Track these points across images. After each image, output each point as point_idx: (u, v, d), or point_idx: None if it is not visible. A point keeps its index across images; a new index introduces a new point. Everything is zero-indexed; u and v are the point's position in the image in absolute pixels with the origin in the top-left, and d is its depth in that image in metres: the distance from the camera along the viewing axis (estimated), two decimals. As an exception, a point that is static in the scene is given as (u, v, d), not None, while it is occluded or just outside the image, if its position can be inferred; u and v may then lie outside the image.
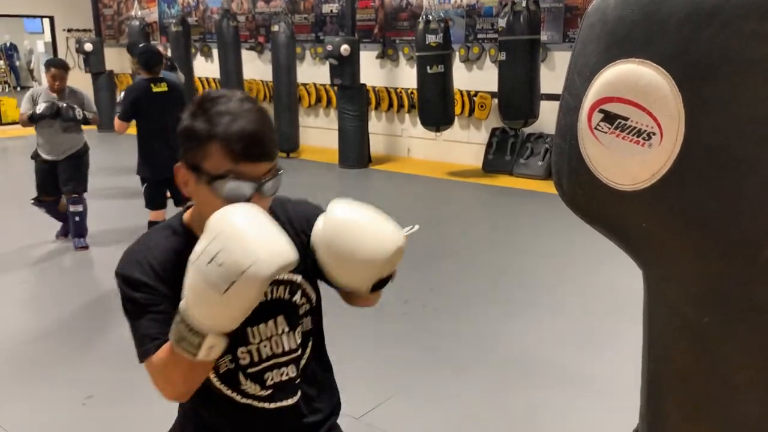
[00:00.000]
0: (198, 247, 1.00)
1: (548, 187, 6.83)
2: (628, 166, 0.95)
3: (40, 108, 4.53)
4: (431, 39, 7.29)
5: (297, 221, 1.27)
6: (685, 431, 1.06)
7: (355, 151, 8.10)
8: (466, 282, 4.32)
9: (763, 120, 0.87)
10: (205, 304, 0.99)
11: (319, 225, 1.18)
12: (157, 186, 4.38)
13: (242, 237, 0.97)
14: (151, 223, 4.27)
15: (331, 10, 9.30)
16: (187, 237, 1.17)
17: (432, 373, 3.13)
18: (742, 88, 0.88)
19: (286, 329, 1.25)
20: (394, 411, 2.79)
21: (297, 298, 1.27)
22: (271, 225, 1.02)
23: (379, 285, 1.25)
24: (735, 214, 0.91)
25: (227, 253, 0.96)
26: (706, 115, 0.89)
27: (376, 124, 8.87)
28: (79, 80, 11.58)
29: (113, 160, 7.78)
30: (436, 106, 7.51)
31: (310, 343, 1.32)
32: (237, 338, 1.18)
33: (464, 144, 8.27)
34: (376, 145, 8.67)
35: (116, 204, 6.08)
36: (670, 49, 0.90)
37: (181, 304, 1.03)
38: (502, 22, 6.95)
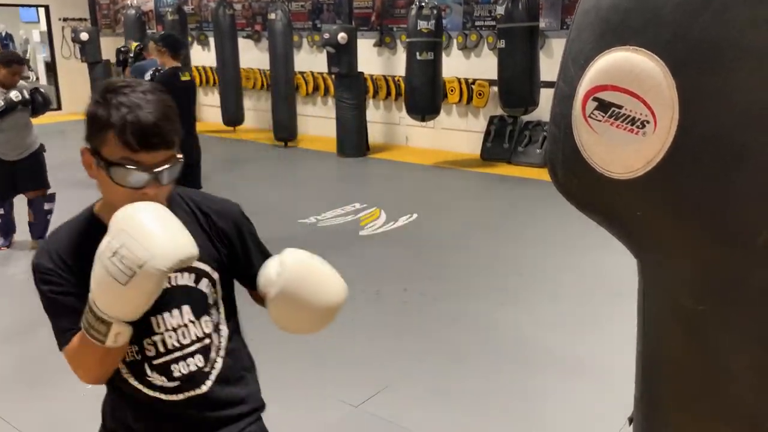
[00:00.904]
0: (103, 242, 1.07)
1: (546, 175, 6.77)
2: (623, 154, 0.94)
3: (11, 96, 4.26)
4: (423, 25, 7.22)
5: (206, 212, 1.30)
6: (680, 417, 1.07)
7: (353, 140, 8.08)
8: (465, 270, 4.33)
9: (757, 107, 0.87)
10: (109, 295, 1.06)
11: (272, 273, 1.22)
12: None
13: (142, 233, 1.05)
14: None
15: (328, -2, 9.24)
16: (95, 225, 1.21)
17: (431, 360, 3.14)
18: (736, 75, 0.88)
19: (192, 318, 1.26)
20: (392, 399, 2.80)
21: (204, 286, 1.27)
22: (173, 221, 1.09)
23: None
24: (730, 202, 0.90)
25: (127, 248, 1.04)
26: (701, 103, 0.89)
27: (374, 113, 8.84)
28: (76, 70, 11.53)
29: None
30: (422, 95, 7.43)
31: (224, 334, 1.31)
32: (141, 329, 1.20)
33: (462, 132, 8.25)
34: (374, 133, 8.64)
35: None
36: (664, 36, 0.90)
37: (90, 294, 1.09)
38: (500, 9, 6.91)
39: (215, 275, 1.29)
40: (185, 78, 4.42)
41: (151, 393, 1.25)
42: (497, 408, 2.75)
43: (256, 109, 10.13)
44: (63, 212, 5.28)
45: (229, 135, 9.49)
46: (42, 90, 4.54)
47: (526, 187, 6.59)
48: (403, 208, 5.62)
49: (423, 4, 7.27)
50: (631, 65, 0.92)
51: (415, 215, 5.44)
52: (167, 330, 1.24)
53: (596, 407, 2.70)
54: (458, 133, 8.27)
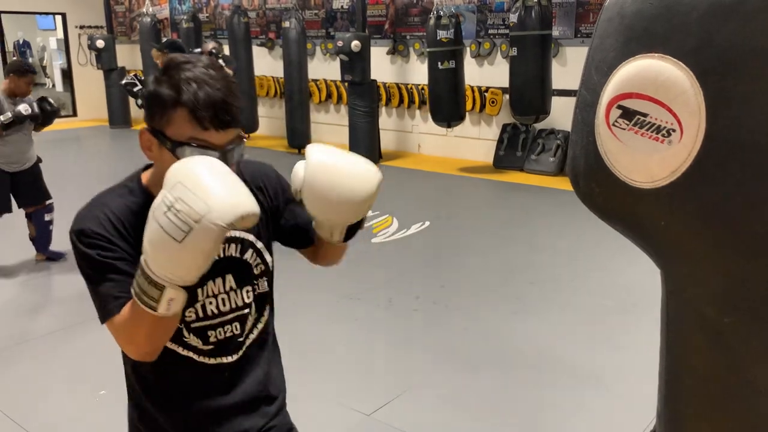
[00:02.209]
0: (158, 197, 0.99)
1: (559, 183, 6.79)
2: (647, 163, 0.93)
3: (20, 110, 4.18)
4: (442, 35, 7.26)
5: (255, 180, 1.28)
6: (704, 430, 1.05)
7: (365, 147, 8.08)
8: (477, 278, 4.31)
9: (786, 116, 0.85)
10: (163, 254, 0.98)
11: (300, 170, 1.18)
12: None
13: (201, 186, 0.96)
14: None
15: (342, 6, 9.28)
16: (144, 197, 1.15)
17: (443, 369, 3.12)
18: (762, 82, 0.86)
19: (234, 286, 1.24)
20: (404, 408, 2.78)
21: (249, 256, 1.26)
22: (233, 177, 1.01)
23: (350, 233, 1.27)
24: (758, 211, 0.89)
25: (184, 202, 0.95)
26: (728, 110, 0.87)
27: (386, 120, 8.85)
28: (91, 77, 11.64)
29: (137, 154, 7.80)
30: (447, 102, 7.49)
31: (267, 307, 1.31)
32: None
33: (475, 140, 8.24)
34: (387, 141, 8.65)
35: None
36: (690, 43, 0.88)
37: (142, 256, 1.01)
38: (513, 18, 6.91)
39: (259, 244, 1.28)
40: None
41: (183, 352, 1.22)
42: (509, 417, 2.73)
43: (270, 117, 10.17)
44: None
45: (242, 142, 9.52)
46: (50, 99, 4.49)
47: (538, 195, 6.55)
48: (416, 215, 5.61)
49: (441, 13, 7.29)
50: (656, 73, 0.90)
51: (427, 223, 5.42)
52: (207, 297, 1.22)
53: (609, 418, 2.67)
54: (471, 140, 8.26)
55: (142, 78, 6.14)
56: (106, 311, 1.10)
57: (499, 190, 6.97)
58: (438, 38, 7.27)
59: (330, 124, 9.58)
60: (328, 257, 1.38)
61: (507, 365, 3.15)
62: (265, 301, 1.32)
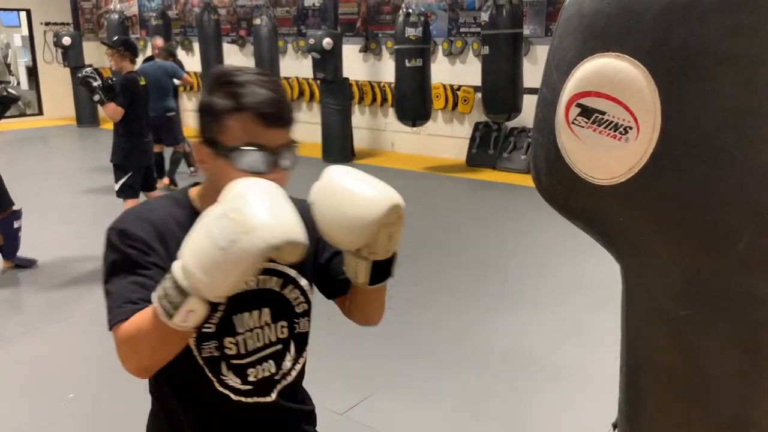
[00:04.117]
0: (212, 207, 0.99)
1: (530, 181, 6.83)
2: (606, 160, 0.94)
3: None
4: (410, 32, 7.27)
5: (303, 216, 1.25)
6: (663, 423, 1.07)
7: (338, 146, 8.07)
8: (451, 276, 4.33)
9: (737, 113, 0.87)
10: (202, 257, 0.95)
11: (315, 187, 1.16)
12: (144, 173, 4.54)
13: (258, 202, 0.96)
14: None
15: (314, 3, 9.25)
16: (190, 210, 1.17)
17: (416, 367, 3.13)
18: (717, 81, 0.88)
19: (269, 321, 1.23)
20: (378, 406, 2.78)
21: (288, 292, 1.25)
22: (289, 204, 1.00)
23: (380, 276, 1.22)
24: (712, 207, 0.91)
25: (238, 211, 0.95)
26: (683, 109, 0.89)
27: (359, 118, 8.85)
28: (58, 75, 11.41)
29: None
30: (412, 101, 7.49)
31: (306, 347, 1.30)
32: (223, 327, 1.17)
33: (448, 138, 8.28)
34: (360, 139, 8.65)
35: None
36: (646, 42, 0.90)
37: (176, 261, 0.99)
38: (485, 16, 6.96)
39: (303, 282, 1.26)
40: (143, 83, 4.48)
41: (221, 389, 1.20)
42: (483, 414, 2.75)
43: (241, 115, 10.09)
44: (51, 220, 5.22)
45: (213, 140, 9.43)
46: (9, 89, 4.41)
47: (510, 192, 6.62)
48: (389, 213, 5.60)
49: (410, 11, 7.30)
50: (613, 72, 0.92)
51: (400, 221, 5.43)
52: (247, 330, 1.21)
53: (580, 412, 2.71)
54: (444, 139, 8.30)
55: (102, 73, 6.06)
56: (118, 312, 1.07)
57: (472, 187, 7.02)
58: (406, 35, 7.28)
59: (303, 122, 9.53)
60: (361, 307, 1.34)
61: (480, 362, 3.18)
62: (305, 341, 1.30)
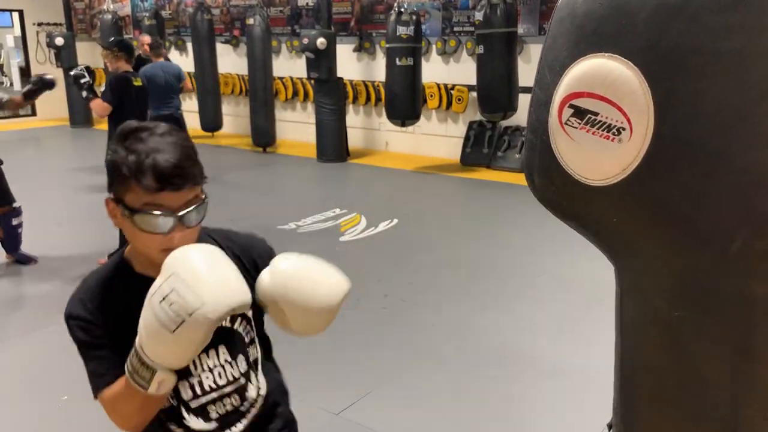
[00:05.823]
0: (154, 285, 1.05)
1: (525, 180, 6.87)
2: (599, 161, 0.94)
3: None
4: (402, 31, 7.26)
5: (245, 255, 1.28)
6: (657, 423, 1.07)
7: (332, 145, 8.06)
8: (445, 275, 4.33)
9: (730, 113, 0.87)
10: (156, 341, 1.03)
11: (266, 279, 1.20)
12: None
13: (194, 278, 1.01)
14: None
15: (307, 3, 9.23)
16: (125, 270, 1.21)
17: (411, 367, 3.13)
18: (710, 80, 0.88)
19: (228, 359, 1.23)
20: (373, 406, 2.78)
21: (237, 325, 1.25)
22: (227, 266, 1.06)
23: None
24: (705, 208, 0.91)
25: (178, 293, 1.01)
26: (676, 109, 0.89)
27: (353, 118, 8.83)
28: (51, 75, 11.35)
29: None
30: (403, 100, 7.47)
31: (259, 372, 1.30)
32: (179, 370, 1.17)
33: (442, 137, 8.28)
34: (354, 139, 8.64)
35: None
36: (639, 42, 0.90)
37: (137, 338, 1.07)
38: (478, 15, 6.96)
39: (249, 313, 1.26)
40: (138, 83, 4.42)
41: None
42: (479, 413, 2.75)
43: (235, 115, 10.07)
44: (45, 221, 5.19)
45: (207, 141, 9.41)
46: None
47: (505, 192, 6.62)
48: (384, 213, 5.61)
49: (402, 9, 7.30)
50: (606, 72, 0.92)
51: (395, 220, 5.43)
52: (203, 371, 1.22)
53: (575, 411, 2.71)
54: (438, 138, 8.30)
55: (95, 72, 6.04)
56: (94, 386, 1.17)
57: (467, 187, 7.02)
58: (398, 34, 7.27)
59: (297, 122, 9.52)
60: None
61: (475, 360, 3.18)
62: (257, 366, 1.30)
